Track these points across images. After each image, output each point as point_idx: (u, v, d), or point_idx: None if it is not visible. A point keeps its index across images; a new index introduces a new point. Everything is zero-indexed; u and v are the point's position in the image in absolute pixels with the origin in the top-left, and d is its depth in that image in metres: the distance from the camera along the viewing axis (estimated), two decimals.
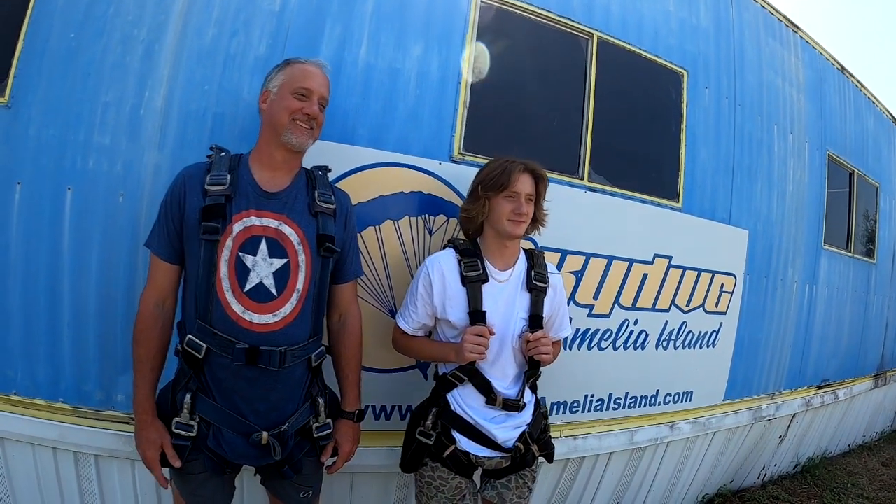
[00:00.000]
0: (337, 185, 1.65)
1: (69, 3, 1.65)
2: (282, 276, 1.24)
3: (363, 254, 1.70)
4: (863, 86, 3.64)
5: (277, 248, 1.24)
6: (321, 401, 1.34)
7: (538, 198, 1.51)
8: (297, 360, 1.27)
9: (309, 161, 1.46)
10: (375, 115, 1.73)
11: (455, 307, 1.44)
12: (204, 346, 1.21)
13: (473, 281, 1.44)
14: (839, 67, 3.42)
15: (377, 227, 1.71)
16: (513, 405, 1.45)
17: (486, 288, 1.45)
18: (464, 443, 1.45)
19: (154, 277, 1.28)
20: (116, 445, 1.62)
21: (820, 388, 3.45)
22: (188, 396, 1.22)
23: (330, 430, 1.36)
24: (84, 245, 1.61)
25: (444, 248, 1.55)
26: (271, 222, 1.24)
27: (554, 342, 1.62)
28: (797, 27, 3.05)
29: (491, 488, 1.51)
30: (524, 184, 1.45)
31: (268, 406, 1.25)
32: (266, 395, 1.25)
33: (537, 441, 1.50)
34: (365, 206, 1.69)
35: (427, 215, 1.77)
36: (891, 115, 4.13)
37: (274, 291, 1.23)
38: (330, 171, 1.43)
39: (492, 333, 1.39)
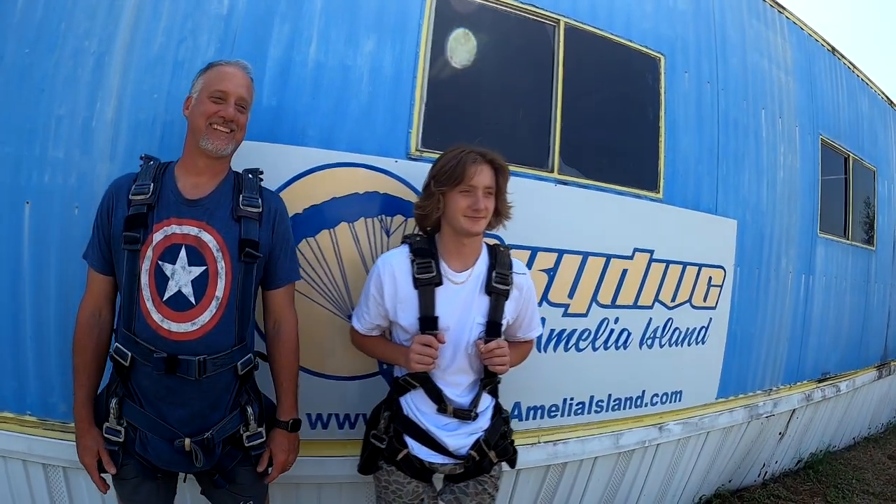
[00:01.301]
0: (287, 188, 1.62)
1: (23, 19, 1.65)
2: (200, 284, 1.22)
3: (318, 258, 1.67)
4: (855, 67, 3.50)
5: (196, 255, 1.22)
6: (250, 409, 1.31)
7: (499, 191, 1.41)
8: (219, 368, 1.25)
9: (255, 163, 1.43)
10: (326, 114, 1.69)
11: (406, 311, 1.38)
12: (129, 354, 1.22)
13: (426, 284, 1.36)
14: (830, 48, 3.30)
15: (332, 230, 1.67)
16: (464, 415, 1.38)
17: (439, 291, 1.37)
18: (416, 448, 1.40)
19: (89, 288, 1.31)
20: None
21: (820, 381, 3.32)
22: (115, 402, 1.24)
23: (262, 440, 1.33)
24: (43, 259, 1.62)
25: (400, 244, 1.48)
26: (191, 230, 1.23)
27: (524, 342, 1.56)
28: (783, 7, 2.94)
29: (449, 492, 1.46)
30: (481, 176, 1.34)
31: (190, 413, 1.25)
32: (188, 402, 1.24)
33: (495, 447, 1.44)
34: (318, 209, 1.65)
35: (384, 216, 1.72)
36: (886, 97, 3.97)
37: (192, 300, 1.22)
38: (262, 173, 1.38)
39: (442, 342, 1.32)
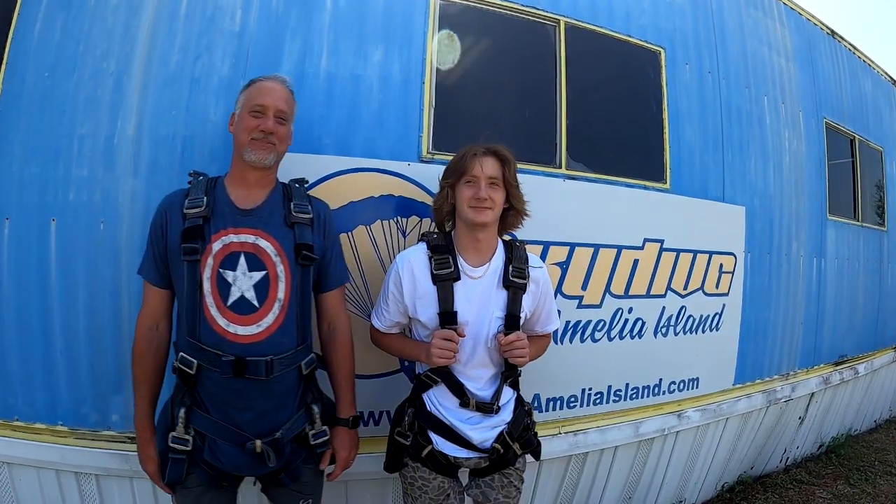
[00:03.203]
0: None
1: (42, 44, 1.72)
2: (262, 288, 1.27)
3: None
4: (856, 49, 3.51)
5: (256, 261, 1.28)
6: (315, 408, 1.36)
7: (508, 183, 1.43)
8: (285, 368, 1.30)
9: (280, 175, 1.48)
10: (340, 122, 1.74)
11: (425, 307, 1.40)
12: (195, 361, 1.26)
13: (444, 279, 1.39)
14: (829, 32, 3.31)
15: (350, 233, 1.72)
16: (486, 408, 1.40)
17: (458, 286, 1.40)
18: (440, 443, 1.42)
19: (146, 302, 1.35)
20: (114, 464, 1.66)
21: (838, 364, 3.31)
22: (182, 411, 1.27)
23: (326, 437, 1.38)
24: (70, 273, 1.67)
25: (417, 242, 1.52)
26: (248, 238, 1.28)
27: (542, 336, 1.58)
28: None
29: (475, 487, 1.48)
30: (484, 166, 1.38)
31: (259, 415, 1.28)
32: (256, 404, 1.28)
33: (518, 439, 1.45)
34: (336, 214, 1.68)
35: (399, 217, 1.77)
36: (889, 76, 3.96)
37: (255, 303, 1.27)
38: (307, 182, 1.45)
39: (462, 336, 1.35)
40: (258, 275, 1.27)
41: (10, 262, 1.69)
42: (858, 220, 3.49)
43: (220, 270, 1.25)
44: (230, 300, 1.25)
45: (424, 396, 1.45)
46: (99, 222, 1.65)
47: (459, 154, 1.43)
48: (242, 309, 1.26)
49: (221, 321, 1.25)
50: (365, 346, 1.70)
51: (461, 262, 1.43)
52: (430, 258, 1.42)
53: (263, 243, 1.28)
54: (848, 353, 3.43)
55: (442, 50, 1.90)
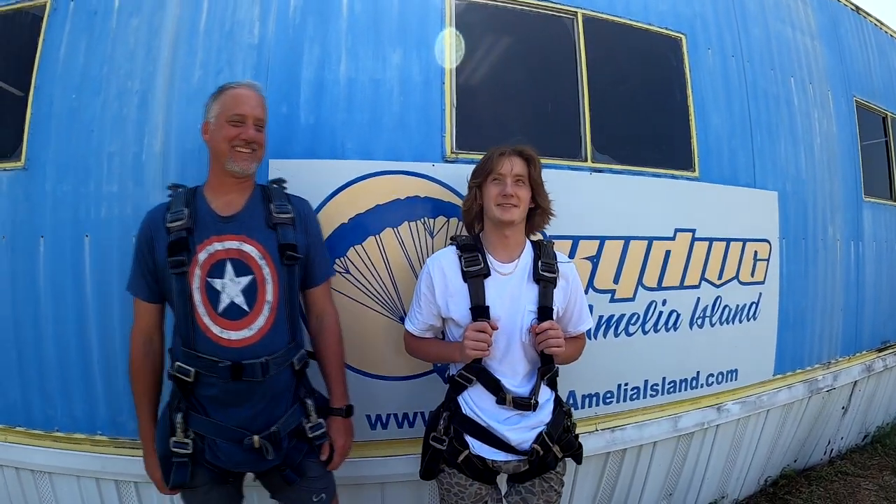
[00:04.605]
0: (331, 200, 1.68)
1: (67, 68, 1.77)
2: (251, 292, 1.29)
3: (366, 264, 1.71)
4: (882, 24, 3.37)
5: (242, 266, 1.29)
6: (309, 401, 1.38)
7: (534, 182, 1.43)
8: (280, 367, 1.32)
9: (299, 180, 1.48)
10: (362, 127, 1.74)
11: (458, 304, 1.39)
12: (192, 370, 1.28)
13: (474, 275, 1.39)
14: (853, 8, 3.19)
15: (377, 235, 1.71)
16: (524, 404, 1.37)
17: (488, 282, 1.39)
18: (477, 447, 1.39)
19: (138, 318, 1.37)
20: None
21: (880, 350, 3.18)
22: (179, 416, 1.29)
23: (324, 429, 1.39)
24: (105, 287, 1.71)
25: (446, 245, 1.52)
26: (232, 244, 1.29)
27: (576, 337, 1.55)
28: None
29: (515, 493, 1.44)
30: (509, 165, 1.39)
31: (256, 412, 1.31)
32: (254, 404, 1.30)
33: (559, 441, 1.42)
34: (363, 218, 1.69)
35: (426, 218, 1.75)
36: None
37: (246, 307, 1.28)
38: (285, 182, 1.44)
39: (495, 328, 1.33)
40: (245, 279, 1.28)
41: (46, 279, 1.74)
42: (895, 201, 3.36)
43: (208, 279, 1.26)
44: (220, 307, 1.27)
45: (459, 399, 1.43)
46: (131, 237, 1.64)
47: (486, 155, 1.46)
48: (233, 314, 1.27)
49: (215, 329, 1.26)
50: (395, 348, 1.70)
51: (490, 259, 1.43)
52: (459, 257, 1.42)
53: (248, 248, 1.29)
54: (891, 339, 3.29)
55: (458, 48, 1.88)
